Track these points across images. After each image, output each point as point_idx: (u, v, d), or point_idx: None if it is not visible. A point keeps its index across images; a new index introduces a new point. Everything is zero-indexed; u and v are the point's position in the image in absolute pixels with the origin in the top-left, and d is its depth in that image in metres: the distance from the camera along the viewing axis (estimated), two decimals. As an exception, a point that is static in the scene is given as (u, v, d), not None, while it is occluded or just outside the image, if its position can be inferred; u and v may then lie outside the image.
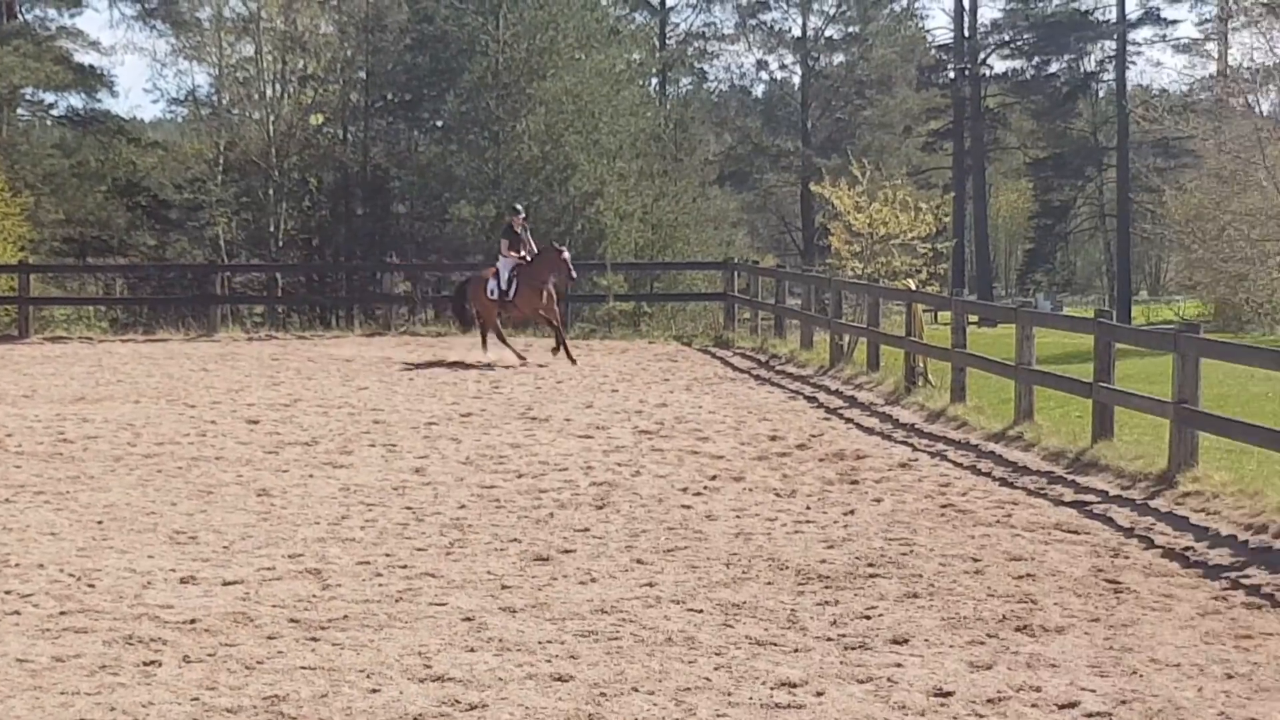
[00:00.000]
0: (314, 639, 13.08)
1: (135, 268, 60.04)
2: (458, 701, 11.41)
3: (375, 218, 68.15)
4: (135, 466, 21.87)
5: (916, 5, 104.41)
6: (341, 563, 16.01)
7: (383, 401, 29.22)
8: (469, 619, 13.73)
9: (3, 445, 23.68)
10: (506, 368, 35.29)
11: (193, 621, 13.52)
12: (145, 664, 12.33)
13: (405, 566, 15.82)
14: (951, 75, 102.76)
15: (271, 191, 66.64)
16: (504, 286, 35.27)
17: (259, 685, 11.74)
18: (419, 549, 16.68)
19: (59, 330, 46.82)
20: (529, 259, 35.64)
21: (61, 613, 13.91)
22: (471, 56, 63.90)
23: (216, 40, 68.44)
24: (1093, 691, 11.60)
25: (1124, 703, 11.34)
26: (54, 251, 58.79)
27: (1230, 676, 12.01)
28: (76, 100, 69.01)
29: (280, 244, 66.58)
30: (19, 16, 66.59)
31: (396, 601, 14.36)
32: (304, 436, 24.90)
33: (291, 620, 13.66)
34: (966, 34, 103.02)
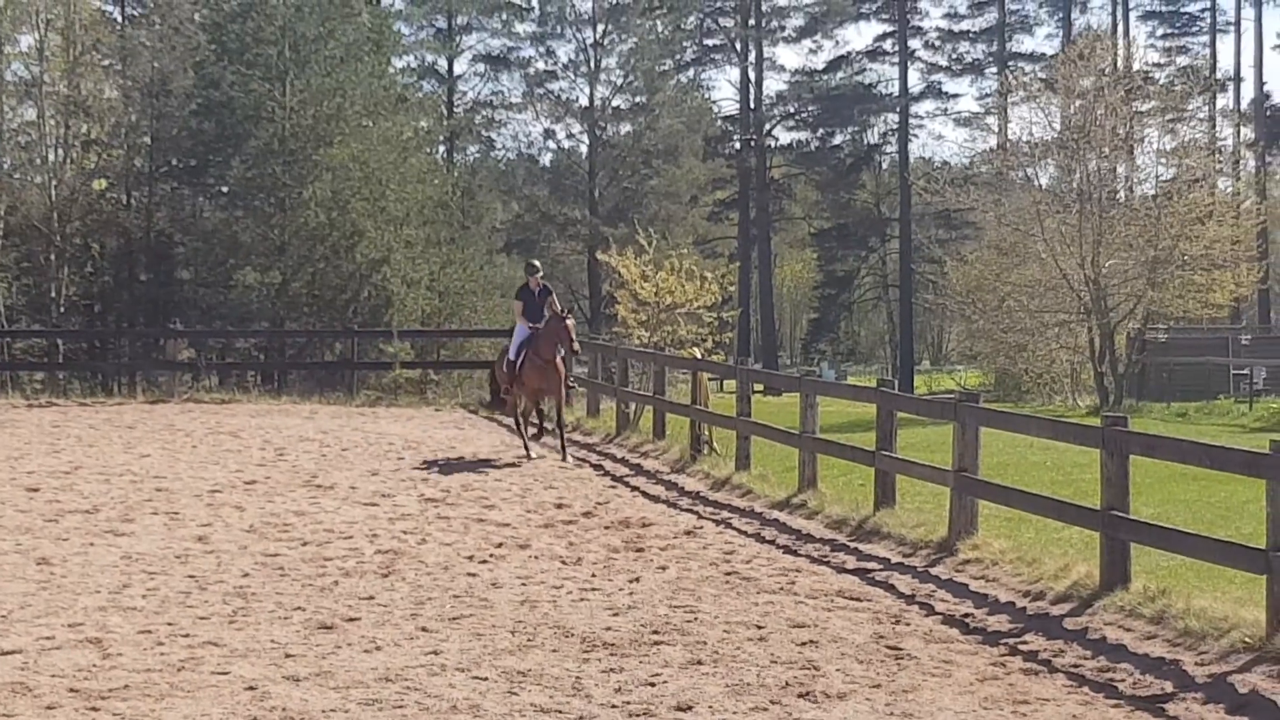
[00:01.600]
0: (94, 709, 13.01)
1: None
2: None
3: (159, 283, 67.51)
4: None
5: (703, 77, 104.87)
6: (123, 631, 15.83)
7: (165, 469, 28.84)
8: (252, 688, 13.66)
9: None
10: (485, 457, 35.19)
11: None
12: None
13: (188, 635, 15.68)
14: (737, 146, 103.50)
15: (53, 256, 65.90)
16: (514, 357, 31.15)
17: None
18: (202, 617, 16.55)
19: None
20: (539, 328, 30.61)
21: None
22: (258, 123, 63.58)
23: (-4, 103, 68.04)
24: None
25: None
26: None
27: None
28: None
29: (62, 309, 65.85)
30: None
31: (179, 670, 14.25)
32: (85, 504, 24.51)
33: (71, 690, 13.54)
34: (752, 106, 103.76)
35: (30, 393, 48.41)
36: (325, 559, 20.19)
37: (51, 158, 66.88)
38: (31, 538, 21.58)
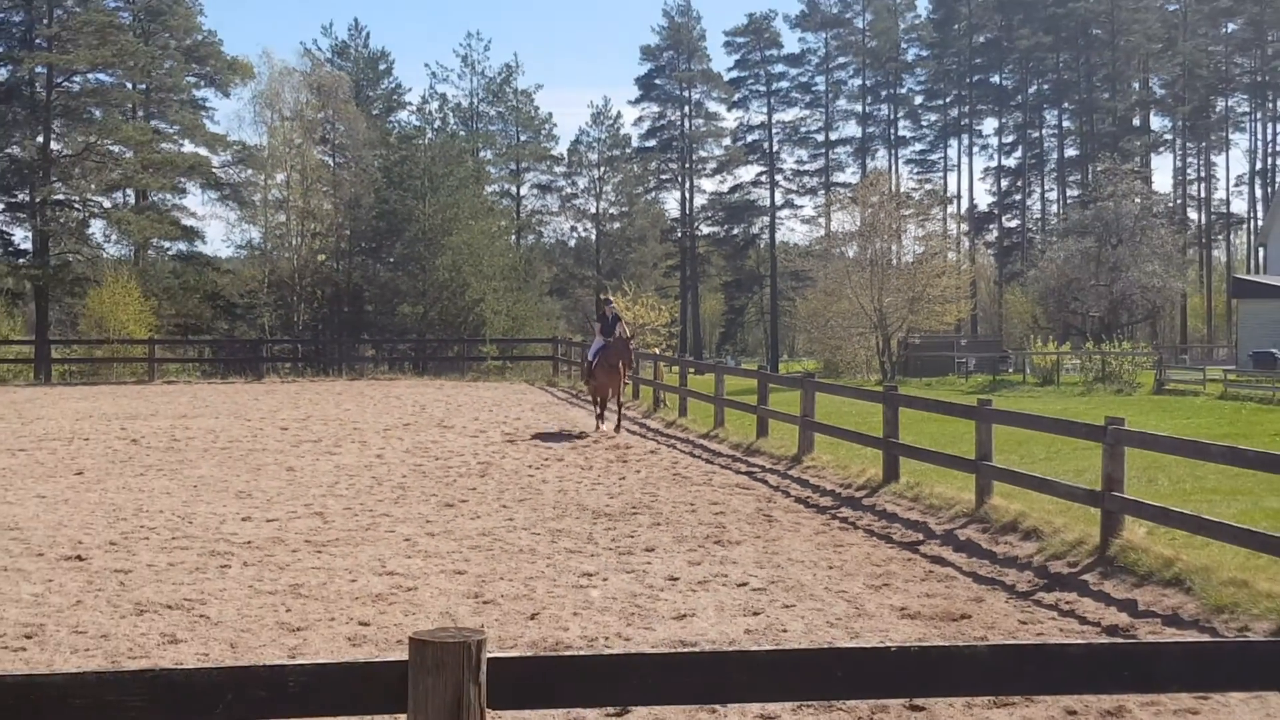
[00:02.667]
0: (319, 552, 13.03)
1: (216, 341, 59.48)
2: (401, 586, 11.39)
3: (354, 313, 67.76)
4: (215, 454, 21.66)
5: (659, 196, 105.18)
6: (334, 508, 15.85)
7: (358, 417, 28.93)
8: (407, 540, 13.66)
9: (139, 443, 23.47)
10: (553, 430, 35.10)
11: (249, 543, 13.39)
12: (222, 567, 12.27)
13: (371, 511, 15.69)
14: (679, 235, 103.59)
15: (295, 298, 66.13)
16: (590, 359, 27.14)
17: (287, 578, 11.72)
18: (379, 500, 16.55)
19: (171, 377, 46.42)
20: (611, 341, 26.44)
21: (173, 538, 13.79)
22: (410, 222, 63.91)
23: (264, 212, 67.96)
24: (755, 576, 11.79)
25: (773, 582, 11.53)
26: (168, 332, 58.19)
27: (831, 567, 12.27)
28: (182, 245, 68.38)
29: (300, 327, 66.24)
30: (148, 198, 65.99)
31: (366, 530, 14.28)
32: (312, 436, 24.65)
33: (306, 541, 13.60)
34: (687, 211, 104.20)
35: (282, 375, 48.54)
36: (449, 467, 20.12)
37: (294, 242, 66.89)
38: (283, 456, 21.65)
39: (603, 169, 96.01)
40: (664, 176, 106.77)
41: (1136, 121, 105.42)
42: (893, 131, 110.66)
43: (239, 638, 9.67)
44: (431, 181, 64.52)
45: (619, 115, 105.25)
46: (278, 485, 18.07)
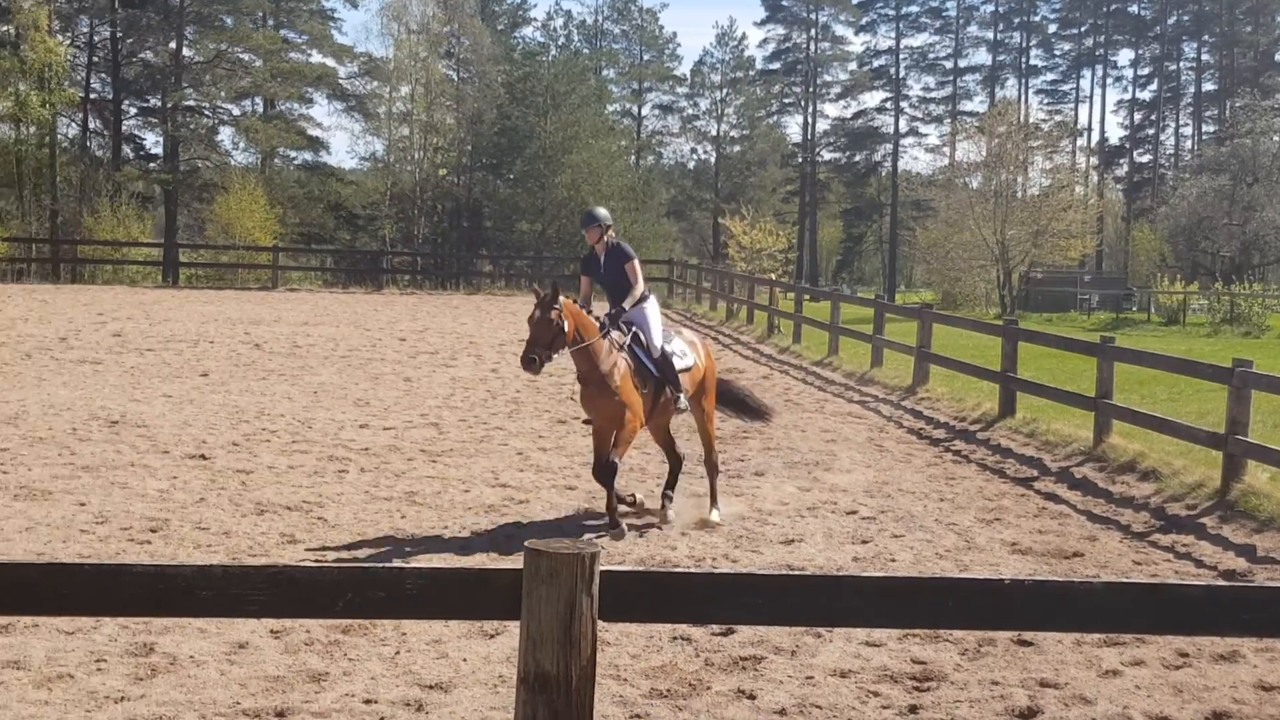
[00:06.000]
0: (434, 461, 13.22)
1: (337, 251, 60.24)
2: (513, 498, 11.55)
3: (473, 228, 68.20)
4: (335, 362, 22.01)
5: (781, 121, 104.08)
6: (449, 420, 16.05)
7: (474, 331, 29.18)
8: (520, 453, 13.83)
9: (262, 349, 23.91)
10: None
11: (366, 449, 13.64)
12: (339, 471, 12.50)
13: (485, 424, 15.87)
14: (799, 160, 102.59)
15: (416, 211, 66.79)
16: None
17: (402, 485, 11.91)
18: (493, 413, 16.73)
19: (293, 285, 47.18)
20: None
21: (293, 441, 14.08)
22: (530, 139, 64.04)
23: (388, 125, 68.48)
24: (865, 505, 11.75)
25: (883, 512, 11.49)
26: (292, 240, 59.13)
27: (942, 499, 12.20)
28: (308, 156, 69.24)
29: (420, 241, 66.91)
30: (275, 107, 66.79)
31: (480, 442, 14.45)
32: (430, 349, 24.87)
33: (421, 450, 13.78)
34: (809, 136, 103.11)
35: (401, 287, 49.10)
36: (562, 384, 19.99)
37: (417, 155, 67.37)
38: (401, 366, 21.91)
39: (725, 91, 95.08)
40: (786, 100, 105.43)
41: (1279, 57, 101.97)
42: (1024, 60, 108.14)
43: (355, 540, 9.89)
44: (553, 99, 64.47)
45: (744, 37, 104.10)
46: (395, 395, 18.32)
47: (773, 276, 43.02)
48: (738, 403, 12.44)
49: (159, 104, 64.73)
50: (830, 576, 4.10)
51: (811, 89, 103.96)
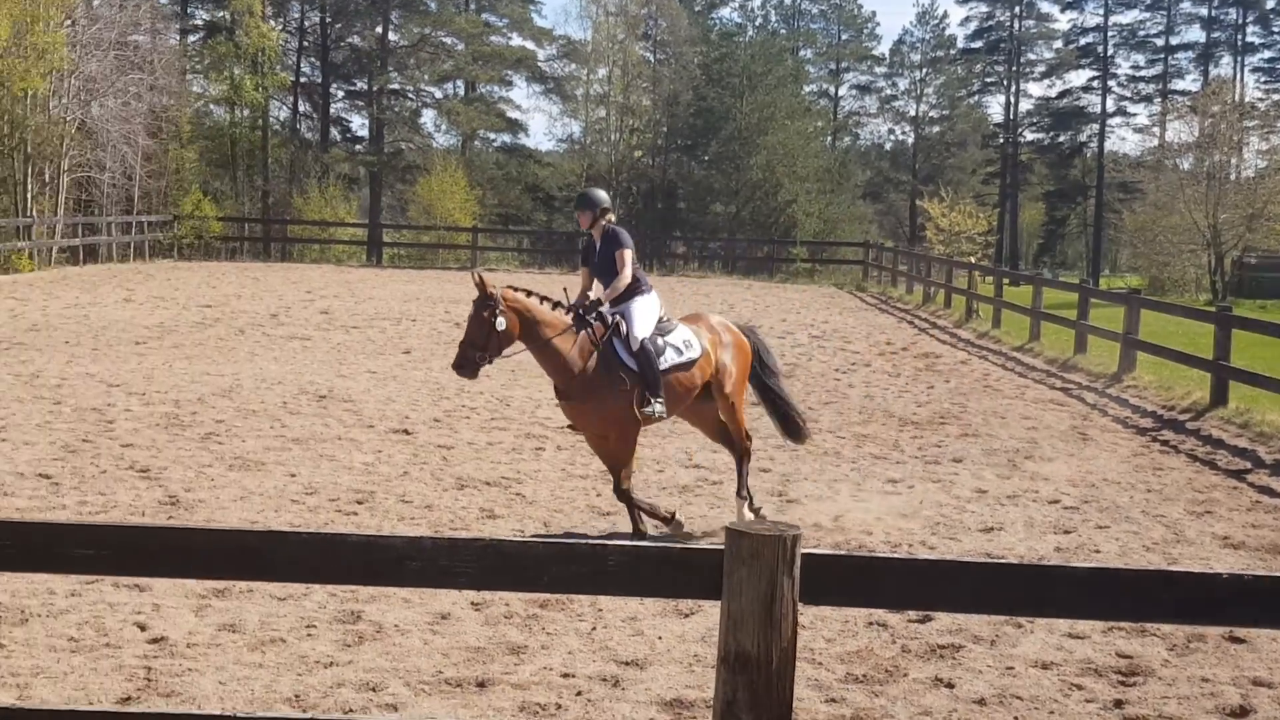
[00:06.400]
0: None
1: (534, 232, 61.26)
2: (706, 479, 11.62)
3: (667, 210, 68.48)
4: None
5: (983, 101, 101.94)
6: None
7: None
8: None
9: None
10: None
11: (562, 427, 14.25)
12: (536, 449, 12.73)
13: None
14: (1001, 140, 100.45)
15: (610, 192, 67.48)
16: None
17: (597, 464, 11.79)
18: None
19: (491, 265, 48.10)
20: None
21: (491, 419, 14.42)
22: (726, 120, 64.00)
23: (585, 107, 69.18)
24: (1067, 495, 11.51)
25: (1086, 502, 11.25)
26: (490, 221, 60.13)
27: (1149, 490, 11.86)
28: (506, 138, 70.35)
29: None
30: (476, 89, 67.99)
31: (673, 423, 14.01)
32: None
33: None
34: (1012, 116, 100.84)
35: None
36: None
37: (613, 137, 67.88)
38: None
39: (925, 71, 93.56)
40: (988, 80, 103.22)
41: None
42: (1239, 37, 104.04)
43: (551, 517, 10.03)
44: (750, 80, 64.25)
45: (945, 15, 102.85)
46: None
47: (971, 260, 42.26)
48: (778, 410, 10.73)
49: (365, 87, 66.53)
50: (1038, 566, 4.01)
51: (1015, 68, 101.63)
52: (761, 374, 10.68)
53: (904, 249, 48.94)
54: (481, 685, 6.36)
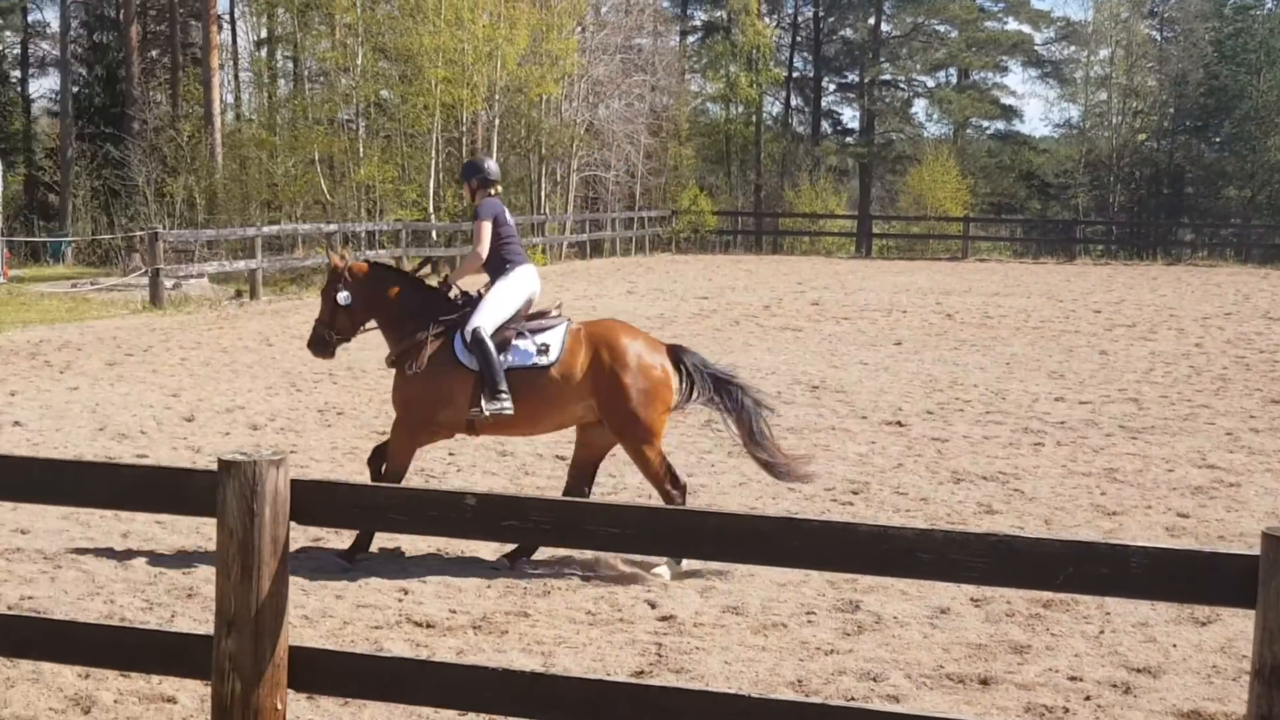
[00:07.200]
0: (1134, 438, 12.71)
1: (1028, 221, 59.60)
2: (1222, 480, 10.80)
3: (1173, 195, 65.06)
4: (1027, 333, 21.82)
5: None
6: (1149, 395, 15.43)
7: (1174, 304, 27.86)
8: (1229, 434, 13.02)
9: (953, 318, 24.13)
10: None
11: (1061, 423, 13.33)
12: (1035, 444, 12.26)
13: (1189, 400, 15.13)
14: None
15: (1111, 178, 64.75)
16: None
17: (1101, 461, 11.55)
18: (1197, 390, 15.92)
19: (982, 255, 47.29)
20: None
21: (986, 412, 14.10)
22: (1240, 99, 60.12)
23: (1084, 90, 66.78)
24: None
25: None
26: (981, 210, 59.15)
27: None
28: (1000, 125, 68.96)
29: (1115, 209, 64.78)
30: (969, 77, 67.09)
31: (1183, 420, 13.78)
32: (1126, 321, 24.03)
33: (1120, 426, 13.33)
34: None
35: (1093, 258, 47.85)
36: (1275, 361, 18.92)
37: (1114, 121, 65.21)
38: (1095, 339, 21.35)
39: None
40: None
41: None
42: None
43: (1053, 515, 9.75)
44: (1268, 55, 59.91)
45: None
46: (1090, 368, 17.91)
47: None
48: (741, 419, 8.54)
49: (856, 79, 66.92)
50: None
51: None
52: (705, 391, 8.55)
53: None
54: (984, 683, 6.27)
